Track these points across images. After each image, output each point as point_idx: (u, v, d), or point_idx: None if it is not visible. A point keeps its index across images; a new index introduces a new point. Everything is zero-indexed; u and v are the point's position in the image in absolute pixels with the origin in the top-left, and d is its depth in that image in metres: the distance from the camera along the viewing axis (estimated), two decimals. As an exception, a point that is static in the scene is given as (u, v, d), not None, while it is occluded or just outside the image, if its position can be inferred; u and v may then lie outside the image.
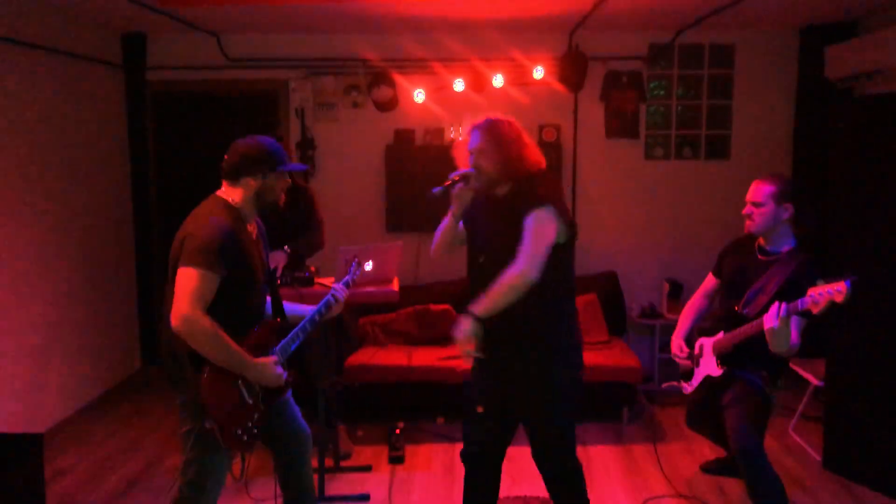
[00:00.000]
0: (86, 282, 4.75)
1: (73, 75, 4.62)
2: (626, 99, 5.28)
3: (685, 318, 3.44)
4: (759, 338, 2.90)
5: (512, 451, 4.08)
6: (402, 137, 5.33)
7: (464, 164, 2.67)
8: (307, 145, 5.31)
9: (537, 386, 2.58)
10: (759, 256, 3.15)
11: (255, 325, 2.52)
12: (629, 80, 5.26)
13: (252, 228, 2.54)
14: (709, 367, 3.24)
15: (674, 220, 5.33)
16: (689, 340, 3.37)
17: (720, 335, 3.18)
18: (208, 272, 2.29)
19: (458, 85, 5.12)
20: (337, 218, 5.40)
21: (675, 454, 4.00)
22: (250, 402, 2.47)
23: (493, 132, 2.63)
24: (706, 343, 3.27)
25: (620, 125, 5.32)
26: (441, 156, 5.32)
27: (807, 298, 2.67)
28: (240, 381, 2.43)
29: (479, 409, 2.71)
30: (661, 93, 5.33)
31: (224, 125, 5.43)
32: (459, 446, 4.13)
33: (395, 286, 3.56)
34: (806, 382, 4.11)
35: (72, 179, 4.60)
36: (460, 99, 5.22)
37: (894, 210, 3.45)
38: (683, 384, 3.41)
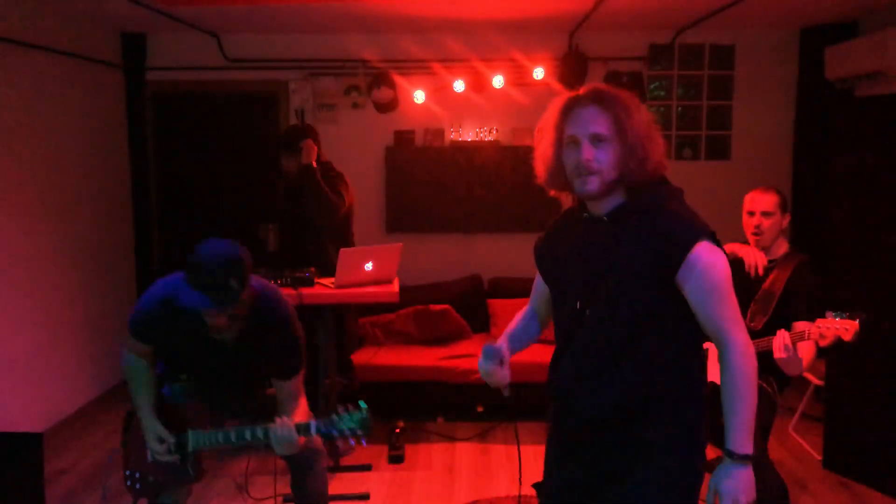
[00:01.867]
0: (85, 281, 4.75)
1: (73, 75, 4.62)
2: (626, 99, 5.27)
3: None
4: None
5: (511, 450, 4.10)
6: (402, 138, 5.33)
7: (552, 169, 1.82)
8: (307, 146, 5.31)
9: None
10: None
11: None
12: (629, 80, 5.25)
13: (219, 320, 2.29)
14: (713, 374, 3.18)
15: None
16: None
17: None
18: (128, 336, 2.50)
19: (459, 86, 5.13)
20: (337, 218, 5.42)
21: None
22: (150, 458, 2.49)
23: (626, 110, 1.72)
24: (711, 349, 3.20)
25: (620, 126, 5.31)
26: (441, 157, 5.36)
27: (814, 329, 2.64)
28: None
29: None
30: (662, 93, 5.33)
31: (224, 126, 5.44)
32: (459, 445, 4.17)
33: (395, 287, 3.56)
34: (806, 382, 4.11)
35: (71, 179, 4.60)
36: (460, 100, 5.22)
37: (894, 210, 3.46)
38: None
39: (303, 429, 2.32)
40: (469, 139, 5.31)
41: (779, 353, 2.73)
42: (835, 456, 3.74)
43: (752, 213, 3.05)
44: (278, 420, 2.34)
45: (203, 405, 2.54)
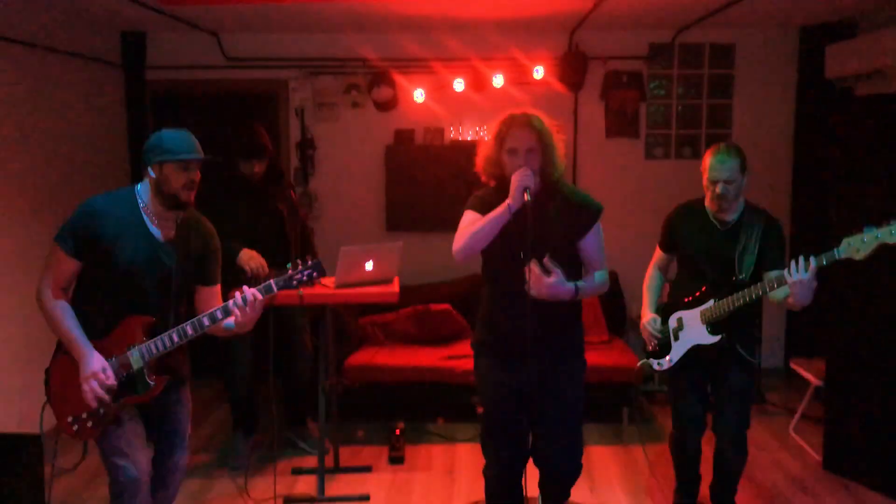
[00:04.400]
0: (85, 281, 4.74)
1: (73, 74, 4.61)
2: (626, 98, 5.28)
3: (650, 292, 3.39)
4: (753, 302, 2.86)
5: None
6: (402, 137, 5.33)
7: (490, 163, 2.70)
8: (307, 145, 5.31)
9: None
10: (720, 228, 3.05)
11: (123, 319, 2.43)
12: (629, 79, 5.25)
13: (163, 224, 2.49)
14: (696, 336, 3.07)
15: (674, 219, 5.32)
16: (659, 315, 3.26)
17: (710, 304, 3.01)
18: (57, 246, 2.39)
19: (459, 85, 5.12)
20: (337, 218, 5.40)
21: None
22: (89, 395, 2.38)
23: (545, 130, 2.59)
24: (688, 315, 3.11)
25: (620, 125, 5.32)
26: (441, 156, 5.36)
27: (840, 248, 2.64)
28: None
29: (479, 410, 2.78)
30: (662, 92, 5.32)
31: (224, 125, 5.40)
32: (459, 446, 4.17)
33: (396, 286, 3.55)
34: (806, 382, 4.11)
35: (70, 179, 4.59)
36: (460, 98, 5.21)
37: (894, 210, 3.45)
38: (654, 361, 3.23)
39: (265, 289, 2.39)
40: (469, 138, 5.30)
41: (798, 276, 2.64)
42: (835, 457, 3.74)
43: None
44: (235, 293, 2.38)
45: (134, 319, 2.43)
